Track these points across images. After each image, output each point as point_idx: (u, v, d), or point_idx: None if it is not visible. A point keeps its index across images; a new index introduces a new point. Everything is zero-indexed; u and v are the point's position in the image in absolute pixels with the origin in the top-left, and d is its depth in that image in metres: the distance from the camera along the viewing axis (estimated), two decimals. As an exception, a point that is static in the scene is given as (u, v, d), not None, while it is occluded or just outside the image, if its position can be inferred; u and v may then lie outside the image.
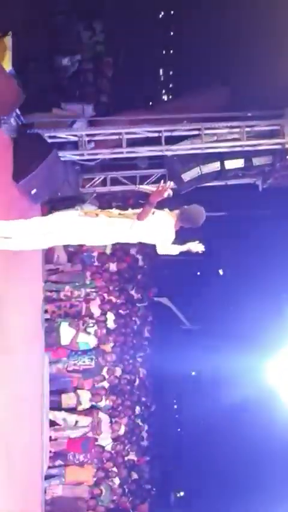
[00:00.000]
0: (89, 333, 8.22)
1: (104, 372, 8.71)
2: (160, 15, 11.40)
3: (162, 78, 12.29)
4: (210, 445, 11.47)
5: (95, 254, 9.33)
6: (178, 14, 10.92)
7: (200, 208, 4.68)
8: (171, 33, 11.44)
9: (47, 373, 7.40)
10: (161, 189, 4.41)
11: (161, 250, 4.86)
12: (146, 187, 4.75)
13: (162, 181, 4.57)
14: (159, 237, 4.74)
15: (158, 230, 4.68)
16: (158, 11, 11.26)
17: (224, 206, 9.90)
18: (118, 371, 9.39)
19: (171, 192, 4.55)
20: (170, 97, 11.61)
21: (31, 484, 6.55)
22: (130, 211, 4.73)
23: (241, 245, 10.84)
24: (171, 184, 4.54)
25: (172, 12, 11.25)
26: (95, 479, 8.26)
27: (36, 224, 4.74)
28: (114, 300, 9.51)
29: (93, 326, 8.32)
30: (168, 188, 4.46)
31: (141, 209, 4.51)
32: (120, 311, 9.76)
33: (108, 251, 9.58)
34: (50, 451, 7.60)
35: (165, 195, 4.44)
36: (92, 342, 8.27)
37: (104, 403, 8.78)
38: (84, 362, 8.09)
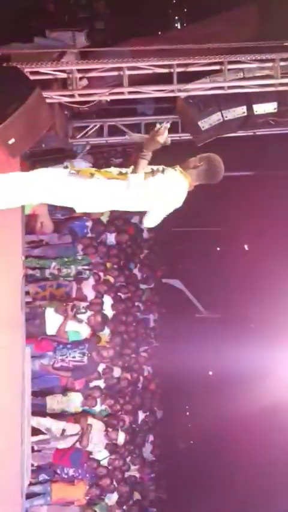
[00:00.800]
0: (80, 320, 8.19)
1: (100, 369, 8.73)
2: None
3: (174, 1, 12.08)
4: (229, 461, 11.56)
5: (89, 223, 9.26)
6: None
7: (217, 159, 4.62)
8: None
9: (28, 370, 7.39)
10: (154, 132, 4.34)
11: (149, 222, 4.76)
12: (138, 135, 4.65)
13: (157, 124, 4.46)
14: (166, 205, 4.63)
15: (166, 194, 4.58)
16: None
17: (251, 163, 9.82)
18: (117, 369, 9.41)
19: (168, 140, 4.42)
20: (184, 24, 11.39)
21: (9, 504, 6.60)
22: (130, 169, 4.65)
23: (273, 213, 10.75)
24: (167, 125, 4.40)
25: None
26: (87, 498, 8.34)
27: (15, 179, 4.69)
28: (112, 280, 9.48)
29: (85, 312, 8.29)
30: (163, 130, 4.35)
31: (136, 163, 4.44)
32: (120, 294, 9.74)
33: (105, 219, 9.52)
34: (33, 465, 7.64)
35: (161, 140, 4.35)
36: (84, 331, 8.25)
37: (99, 407, 8.81)
38: (74, 357, 8.08)
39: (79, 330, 8.17)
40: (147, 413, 10.80)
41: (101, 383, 8.83)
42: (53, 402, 8.21)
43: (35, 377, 7.80)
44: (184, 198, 4.65)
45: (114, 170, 4.66)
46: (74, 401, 8.34)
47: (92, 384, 8.63)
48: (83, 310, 8.29)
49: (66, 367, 8.08)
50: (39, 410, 7.96)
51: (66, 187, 4.60)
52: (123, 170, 4.62)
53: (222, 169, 4.59)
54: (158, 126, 4.36)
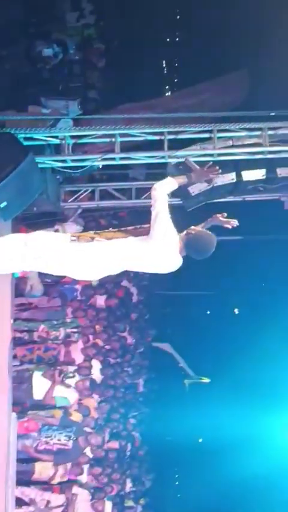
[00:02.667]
0: (68, 386, 8.09)
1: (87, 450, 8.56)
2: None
3: (165, 71, 12.47)
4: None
5: (78, 287, 9.28)
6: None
7: (210, 237, 4.58)
8: (178, 17, 11.64)
9: (14, 436, 7.24)
10: (208, 169, 4.56)
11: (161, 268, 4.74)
12: (192, 163, 4.74)
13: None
14: (162, 263, 4.64)
15: (166, 255, 4.57)
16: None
17: (240, 228, 9.90)
18: (104, 436, 9.23)
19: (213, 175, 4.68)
20: (175, 89, 11.73)
21: None
22: (132, 227, 4.69)
23: (262, 277, 10.82)
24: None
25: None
26: None
27: (12, 242, 4.62)
28: (101, 343, 9.42)
29: (73, 376, 8.20)
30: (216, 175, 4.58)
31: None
32: (109, 358, 9.65)
33: (94, 282, 9.53)
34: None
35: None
36: (71, 396, 8.13)
37: (85, 476, 8.60)
38: (59, 440, 7.86)
39: (67, 395, 8.06)
40: (136, 482, 10.52)
41: (88, 451, 8.65)
42: (42, 468, 7.99)
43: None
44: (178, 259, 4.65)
45: (130, 227, 4.69)
46: (61, 469, 8.13)
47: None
48: (71, 375, 8.20)
49: (50, 450, 7.80)
50: (25, 479, 7.75)
51: (66, 259, 4.52)
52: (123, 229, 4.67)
53: (211, 248, 4.55)
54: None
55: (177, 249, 4.54)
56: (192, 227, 4.64)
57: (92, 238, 4.54)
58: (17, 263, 4.61)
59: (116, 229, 4.63)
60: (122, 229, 4.60)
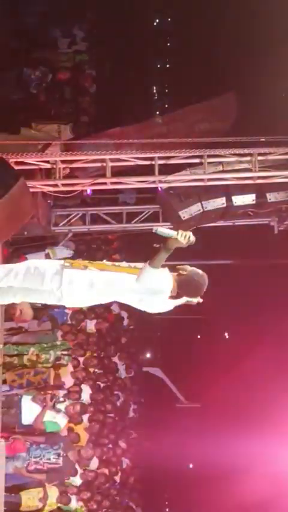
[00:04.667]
0: (58, 410, 8.03)
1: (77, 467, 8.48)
2: (155, 23, 11.83)
3: (155, 97, 12.61)
4: None
5: (69, 311, 9.26)
6: (176, 20, 11.32)
7: (201, 277, 4.64)
8: (168, 44, 11.82)
9: (2, 464, 7.15)
10: (184, 237, 4.42)
11: (152, 308, 4.78)
12: (164, 231, 4.58)
13: (180, 231, 4.52)
14: (158, 302, 4.67)
15: (160, 293, 4.62)
16: (152, 17, 11.68)
17: (230, 253, 9.97)
18: (94, 460, 9.14)
19: (193, 239, 4.49)
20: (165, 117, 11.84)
21: None
22: (125, 264, 4.68)
23: (252, 301, 10.84)
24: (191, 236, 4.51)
25: (169, 19, 11.68)
26: None
27: (2, 273, 4.61)
28: (91, 369, 9.37)
29: (63, 401, 8.14)
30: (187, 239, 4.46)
31: (156, 255, 4.47)
32: (99, 383, 9.60)
33: (84, 307, 9.51)
34: None
35: (184, 242, 4.43)
36: (62, 421, 8.07)
37: (74, 504, 8.50)
38: (49, 460, 7.80)
39: (57, 420, 7.99)
40: (126, 510, 10.40)
41: (77, 479, 8.56)
42: (29, 499, 7.87)
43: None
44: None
45: (107, 263, 4.69)
46: (50, 497, 8.03)
47: (67, 481, 8.36)
48: (61, 399, 8.14)
49: (41, 470, 7.73)
50: (12, 509, 7.63)
51: (60, 286, 4.52)
52: (136, 265, 4.63)
53: (204, 287, 4.64)
54: (180, 233, 4.44)
55: (167, 294, 4.60)
56: (182, 267, 4.68)
57: (85, 267, 4.53)
58: (7, 296, 4.62)
59: (110, 263, 4.63)
60: (116, 264, 4.60)
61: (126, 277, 4.50)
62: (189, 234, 4.44)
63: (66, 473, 8.05)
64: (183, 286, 4.61)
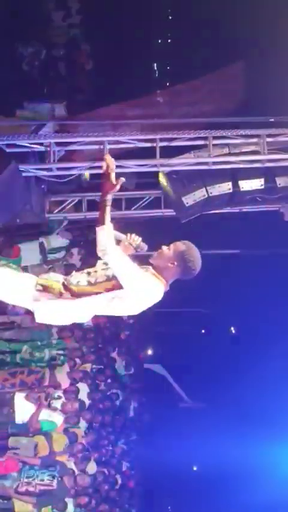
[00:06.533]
0: (54, 409, 8.01)
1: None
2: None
3: (156, 74, 12.53)
4: None
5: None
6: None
7: (192, 253, 4.24)
8: (170, 17, 11.72)
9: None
10: (130, 239, 4.31)
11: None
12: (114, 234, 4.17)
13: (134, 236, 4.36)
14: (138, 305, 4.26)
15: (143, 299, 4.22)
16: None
17: (237, 241, 9.94)
18: (92, 464, 9.15)
19: (144, 247, 4.34)
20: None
21: None
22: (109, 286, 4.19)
23: (261, 293, 10.82)
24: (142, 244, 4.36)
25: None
26: None
27: None
28: (89, 366, 9.36)
29: (59, 398, 8.12)
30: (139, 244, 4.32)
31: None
32: (98, 381, 9.60)
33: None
34: None
35: (130, 250, 4.28)
36: (58, 420, 8.05)
37: (71, 508, 8.50)
38: (42, 480, 7.71)
39: (53, 419, 7.98)
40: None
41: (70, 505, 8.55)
42: (22, 504, 7.86)
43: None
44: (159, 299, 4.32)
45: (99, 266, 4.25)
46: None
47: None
48: (57, 396, 8.12)
49: (32, 492, 7.57)
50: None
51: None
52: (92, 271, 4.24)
53: (198, 264, 4.24)
54: (132, 238, 4.32)
55: (154, 286, 4.19)
56: (161, 255, 4.26)
57: (61, 294, 4.16)
58: None
59: (92, 284, 4.16)
60: (99, 281, 4.14)
61: (109, 300, 4.17)
62: (138, 239, 4.35)
63: (58, 499, 7.83)
64: (178, 275, 4.24)
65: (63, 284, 4.19)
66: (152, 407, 11.67)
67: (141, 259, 4.27)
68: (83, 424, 8.75)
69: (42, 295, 4.19)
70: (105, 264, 4.19)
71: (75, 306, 4.21)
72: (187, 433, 11.04)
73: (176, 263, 4.19)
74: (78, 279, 4.19)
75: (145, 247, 4.36)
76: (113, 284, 4.11)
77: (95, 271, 4.22)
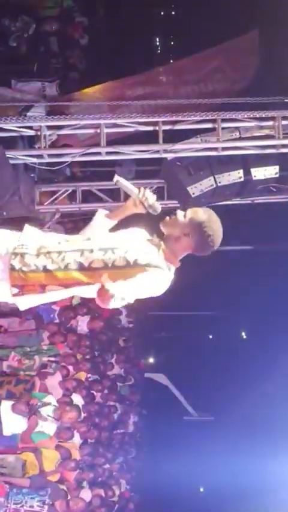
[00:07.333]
0: (45, 418, 7.97)
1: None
2: None
3: (158, 50, 12.54)
4: None
5: (56, 307, 9.26)
6: None
7: (212, 225, 3.92)
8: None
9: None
10: (141, 196, 3.91)
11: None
12: (125, 184, 4.00)
13: (142, 189, 3.96)
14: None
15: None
16: None
17: (249, 236, 9.95)
18: (86, 488, 9.17)
19: (158, 207, 3.92)
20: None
21: None
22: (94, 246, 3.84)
23: (275, 294, 10.83)
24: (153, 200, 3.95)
25: None
26: None
27: None
28: (84, 375, 9.38)
29: (49, 404, 8.08)
30: (149, 200, 3.91)
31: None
32: (93, 392, 9.61)
33: (75, 301, 9.51)
34: None
35: (140, 208, 3.95)
36: (50, 429, 8.02)
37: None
38: (32, 507, 7.70)
39: (44, 429, 7.96)
40: None
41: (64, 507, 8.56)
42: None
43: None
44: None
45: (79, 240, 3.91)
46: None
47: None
48: (47, 402, 8.08)
49: None
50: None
51: None
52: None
53: (218, 239, 3.95)
54: (145, 194, 3.90)
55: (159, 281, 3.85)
56: (175, 221, 3.94)
57: (43, 288, 3.81)
58: None
59: (84, 268, 3.79)
60: (93, 267, 3.77)
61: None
62: (152, 196, 3.94)
63: None
64: (192, 248, 3.92)
65: (46, 271, 3.78)
66: (153, 421, 11.70)
67: (151, 219, 4.04)
68: (77, 439, 8.76)
69: (21, 293, 3.85)
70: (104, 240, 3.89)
71: (63, 293, 3.92)
72: (193, 450, 11.05)
73: (190, 235, 3.89)
74: (68, 259, 3.79)
75: (159, 208, 3.94)
76: (112, 274, 3.68)
77: (91, 251, 3.83)
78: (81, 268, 3.75)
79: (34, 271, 3.77)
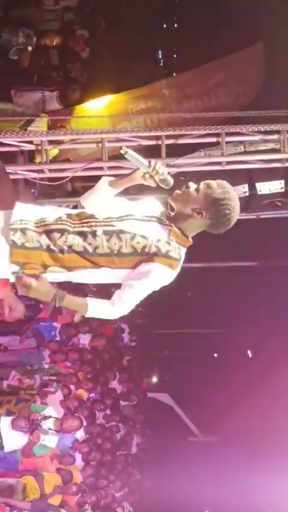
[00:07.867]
0: (45, 431, 7.91)
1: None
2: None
3: (161, 63, 12.59)
4: None
5: (57, 324, 9.26)
6: None
7: (228, 203, 3.66)
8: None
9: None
10: (151, 170, 3.68)
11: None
12: (133, 155, 3.73)
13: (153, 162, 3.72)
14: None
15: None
16: None
17: (254, 252, 9.95)
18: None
19: (170, 181, 3.68)
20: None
21: None
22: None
23: (281, 311, 10.82)
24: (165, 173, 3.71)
25: None
26: None
27: None
28: (85, 394, 9.36)
29: (50, 417, 8.04)
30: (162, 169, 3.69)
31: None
32: (95, 411, 9.58)
33: (76, 318, 9.50)
34: None
35: (150, 182, 3.74)
36: (51, 442, 7.97)
37: None
38: None
39: (46, 442, 7.91)
40: None
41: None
42: None
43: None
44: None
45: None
46: None
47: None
48: (47, 415, 8.04)
49: None
50: None
51: None
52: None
53: (236, 217, 3.71)
54: (156, 168, 3.68)
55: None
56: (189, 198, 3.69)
57: (45, 267, 3.62)
58: None
59: (89, 253, 3.63)
60: (99, 253, 3.63)
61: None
62: (164, 170, 3.69)
63: None
64: (207, 228, 3.72)
65: (50, 250, 3.60)
66: (157, 442, 11.66)
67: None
68: (78, 461, 8.73)
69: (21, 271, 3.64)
70: (109, 225, 3.67)
71: (65, 277, 3.72)
72: (198, 471, 11.01)
73: (204, 213, 3.65)
74: (71, 241, 3.61)
75: (171, 181, 3.68)
76: (116, 262, 3.60)
77: (94, 234, 3.63)
78: (86, 252, 3.59)
79: (38, 249, 3.60)
